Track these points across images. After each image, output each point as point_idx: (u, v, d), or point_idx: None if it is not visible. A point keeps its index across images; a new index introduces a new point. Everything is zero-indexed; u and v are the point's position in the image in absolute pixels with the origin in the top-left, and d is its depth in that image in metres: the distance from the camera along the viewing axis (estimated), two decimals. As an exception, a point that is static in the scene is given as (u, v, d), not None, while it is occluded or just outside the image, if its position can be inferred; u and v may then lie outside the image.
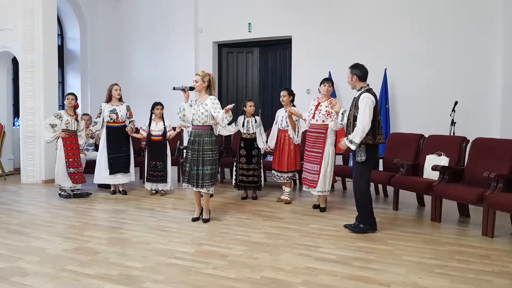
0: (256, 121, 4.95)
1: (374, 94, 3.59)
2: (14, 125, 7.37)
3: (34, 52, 6.18)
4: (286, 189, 4.87)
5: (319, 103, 4.38)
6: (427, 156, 4.50)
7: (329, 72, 6.38)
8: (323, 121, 4.29)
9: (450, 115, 5.62)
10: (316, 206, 4.57)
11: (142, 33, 8.22)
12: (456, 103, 5.62)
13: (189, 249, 3.25)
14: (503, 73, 5.66)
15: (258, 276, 2.72)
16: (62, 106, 7.98)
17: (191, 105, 3.97)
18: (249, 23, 7.41)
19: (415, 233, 3.69)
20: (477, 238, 3.58)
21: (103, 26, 8.26)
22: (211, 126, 3.99)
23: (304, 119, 4.54)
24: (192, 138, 3.96)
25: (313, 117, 4.37)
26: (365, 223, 3.69)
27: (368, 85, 3.66)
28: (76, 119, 5.15)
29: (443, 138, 4.71)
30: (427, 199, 4.60)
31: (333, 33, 6.75)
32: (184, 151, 4.09)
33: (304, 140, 4.64)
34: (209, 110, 3.89)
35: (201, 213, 4.11)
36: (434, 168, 4.18)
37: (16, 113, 7.31)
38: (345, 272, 2.80)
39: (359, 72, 3.64)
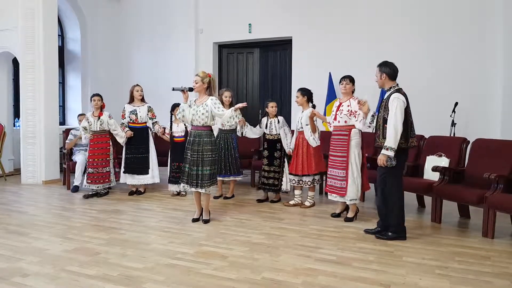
0: (279, 122, 4.79)
1: (404, 94, 3.40)
2: (14, 125, 7.37)
3: (35, 52, 6.18)
4: (310, 193, 4.68)
5: (340, 103, 4.10)
6: (427, 157, 4.50)
7: (329, 73, 6.39)
8: (346, 121, 4.00)
9: (451, 116, 5.62)
10: (336, 215, 4.23)
11: (143, 34, 8.23)
12: (456, 104, 5.63)
13: (189, 249, 3.25)
14: (504, 73, 5.66)
15: (258, 277, 2.72)
16: (62, 107, 8.01)
17: (190, 106, 3.96)
18: (250, 24, 7.42)
19: (415, 234, 3.69)
20: (477, 239, 3.58)
21: (104, 26, 8.26)
22: (211, 126, 3.99)
23: (329, 122, 4.25)
24: (191, 139, 3.95)
25: (335, 118, 4.08)
26: (394, 231, 3.50)
27: (397, 84, 3.48)
28: (99, 118, 5.16)
29: (444, 139, 4.71)
30: (427, 200, 4.59)
31: (333, 33, 6.76)
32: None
33: (327, 144, 4.31)
34: (209, 110, 3.88)
35: (201, 214, 4.11)
36: (435, 169, 4.18)
37: (17, 114, 7.31)
38: (345, 273, 2.80)
39: (389, 70, 3.46)
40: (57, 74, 6.50)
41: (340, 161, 4.03)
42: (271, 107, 4.80)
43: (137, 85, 5.42)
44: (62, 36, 8.14)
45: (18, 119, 7.07)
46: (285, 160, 4.85)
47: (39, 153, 6.22)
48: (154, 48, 8.12)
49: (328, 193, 4.24)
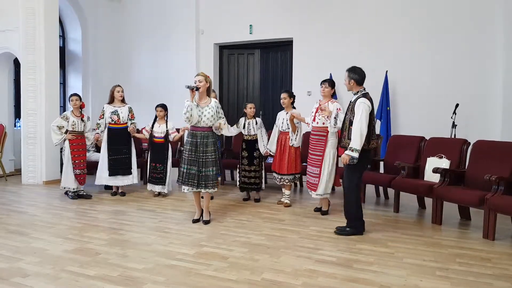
0: (257, 123, 4.94)
1: (370, 99, 3.58)
2: (15, 126, 7.38)
3: (36, 53, 6.19)
4: (286, 192, 4.84)
5: (320, 105, 4.34)
6: (428, 159, 4.50)
7: (330, 74, 6.39)
8: (323, 123, 4.26)
9: (451, 117, 5.62)
10: (317, 209, 4.53)
11: (143, 35, 8.24)
12: (457, 105, 5.63)
13: (190, 250, 3.25)
14: (504, 75, 5.66)
15: (258, 278, 2.72)
16: (63, 107, 8.01)
17: (197, 106, 3.95)
18: (250, 25, 7.43)
19: (415, 236, 3.69)
20: (478, 241, 3.58)
21: (105, 27, 8.27)
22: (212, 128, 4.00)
23: (307, 123, 4.49)
24: (196, 140, 3.93)
25: (314, 120, 4.35)
26: (351, 226, 3.68)
27: (364, 89, 3.64)
28: (82, 119, 5.15)
29: (444, 140, 4.71)
30: (428, 201, 4.59)
31: (334, 35, 6.77)
32: (183, 152, 4.05)
33: (307, 143, 4.60)
34: (215, 112, 3.93)
35: (202, 215, 4.11)
36: (435, 170, 4.18)
37: (18, 114, 7.31)
38: (345, 274, 2.79)
39: (357, 76, 3.62)
40: (58, 75, 6.51)
41: (316, 159, 4.30)
42: (249, 108, 4.93)
43: (119, 85, 5.40)
44: (63, 36, 8.16)
45: (19, 119, 7.07)
46: (263, 159, 5.05)
47: (39, 154, 6.23)
48: (155, 49, 8.13)
49: (308, 189, 4.47)
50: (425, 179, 4.45)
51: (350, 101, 3.67)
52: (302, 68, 7.05)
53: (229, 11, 7.58)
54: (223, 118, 4.05)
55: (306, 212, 4.55)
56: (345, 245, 3.41)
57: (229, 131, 4.89)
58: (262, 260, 3.04)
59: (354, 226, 3.68)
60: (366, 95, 3.58)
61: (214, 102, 3.96)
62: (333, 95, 4.43)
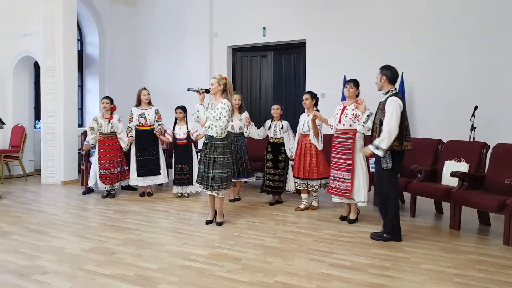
0: (283, 126, 4.85)
1: (402, 98, 3.48)
2: (35, 127, 7.58)
3: (55, 57, 6.36)
4: (314, 193, 4.69)
5: (344, 107, 4.16)
6: (446, 162, 4.41)
7: (344, 75, 6.33)
8: (350, 125, 4.06)
9: (470, 120, 5.50)
10: (343, 218, 4.29)
11: (158, 38, 8.35)
12: (476, 107, 5.50)
13: (203, 251, 3.27)
14: (526, 77, 5.51)
15: (271, 280, 2.71)
16: (81, 110, 8.19)
17: (207, 108, 4.01)
18: (264, 27, 7.44)
19: (433, 241, 3.61)
20: (498, 247, 3.48)
21: (121, 31, 8.43)
22: None
23: (330, 125, 4.30)
24: (205, 141, 3.98)
25: (339, 122, 4.14)
26: (388, 233, 3.57)
27: (395, 88, 3.57)
28: (110, 121, 5.29)
29: (463, 143, 4.61)
30: (446, 206, 4.49)
31: (348, 36, 6.71)
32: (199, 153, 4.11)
33: (329, 147, 4.36)
34: (218, 114, 3.88)
35: (215, 216, 4.13)
36: (453, 174, 4.08)
37: (37, 116, 7.50)
38: (359, 279, 2.75)
39: (390, 73, 3.54)
40: (76, 78, 6.66)
41: (346, 163, 4.06)
42: (273, 110, 4.89)
43: (144, 88, 5.52)
44: (81, 40, 8.34)
45: (39, 121, 7.25)
46: (289, 163, 4.90)
47: (58, 154, 6.37)
48: (170, 52, 8.23)
49: (332, 195, 4.27)
50: (442, 183, 4.36)
51: (380, 102, 3.58)
52: (316, 70, 7.01)
53: (242, 13, 7.62)
54: (219, 119, 3.84)
55: (321, 215, 4.51)
56: (360, 249, 3.37)
57: (256, 133, 4.92)
58: (275, 263, 3.03)
59: (391, 231, 3.56)
60: (397, 94, 3.49)
61: (221, 103, 3.90)
62: (357, 96, 4.19)
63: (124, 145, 5.38)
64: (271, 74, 7.82)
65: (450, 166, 4.30)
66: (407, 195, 4.82)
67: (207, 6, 7.82)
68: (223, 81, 3.96)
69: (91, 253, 3.22)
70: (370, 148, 3.47)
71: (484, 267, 2.99)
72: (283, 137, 4.84)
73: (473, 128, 5.43)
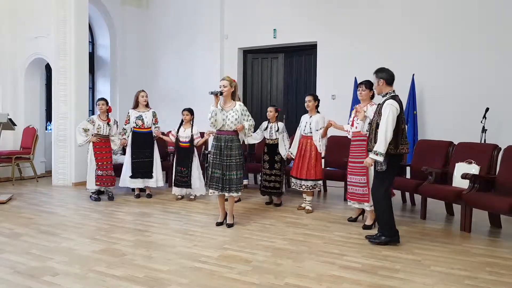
0: (278, 128, 4.91)
1: (399, 101, 3.45)
2: (46, 129, 7.67)
3: (66, 59, 6.43)
4: (308, 198, 4.73)
5: (356, 108, 4.12)
6: (457, 164, 4.37)
7: (355, 77, 6.32)
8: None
9: (481, 121, 5.44)
10: (353, 220, 4.27)
11: (169, 40, 8.42)
12: (487, 109, 5.44)
13: (213, 253, 3.28)
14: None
15: (281, 282, 2.71)
16: (92, 111, 8.27)
17: (221, 110, 4.00)
18: (274, 29, 7.46)
19: (443, 243, 3.58)
20: (509, 249, 3.44)
21: (132, 33, 8.51)
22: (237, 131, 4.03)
23: (346, 130, 4.29)
24: (220, 144, 3.98)
25: (352, 125, 4.13)
26: (386, 235, 3.53)
27: (394, 91, 3.54)
28: (108, 124, 5.32)
29: (474, 145, 4.56)
30: (456, 208, 4.45)
31: (359, 38, 6.69)
32: (209, 156, 4.11)
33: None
34: (239, 115, 3.96)
35: (225, 218, 4.14)
36: (464, 176, 4.04)
37: (49, 118, 7.60)
38: (370, 281, 2.74)
39: (386, 75, 3.51)
40: (87, 80, 6.74)
41: (360, 167, 4.00)
42: (268, 112, 4.95)
43: (143, 90, 5.55)
44: (92, 42, 8.43)
45: (50, 122, 7.35)
46: (285, 164, 4.98)
47: (69, 156, 6.44)
48: (180, 54, 8.29)
49: (348, 200, 4.23)
50: (453, 185, 4.32)
51: (379, 104, 3.58)
52: (327, 72, 7.00)
53: (253, 15, 7.64)
54: (249, 120, 4.03)
55: (330, 217, 4.50)
56: (370, 251, 3.35)
57: (253, 137, 4.93)
58: (285, 265, 3.03)
59: (389, 234, 3.52)
60: (395, 97, 3.44)
61: (239, 105, 4.00)
62: (372, 98, 4.10)
63: (115, 147, 5.41)
64: (281, 76, 7.84)
65: (461, 168, 4.26)
66: (417, 197, 4.79)
67: (218, 8, 7.87)
68: (233, 83, 4.02)
69: (102, 254, 3.25)
70: (371, 157, 3.44)
71: (495, 270, 2.96)
72: (278, 139, 4.92)
73: (484, 130, 5.38)
